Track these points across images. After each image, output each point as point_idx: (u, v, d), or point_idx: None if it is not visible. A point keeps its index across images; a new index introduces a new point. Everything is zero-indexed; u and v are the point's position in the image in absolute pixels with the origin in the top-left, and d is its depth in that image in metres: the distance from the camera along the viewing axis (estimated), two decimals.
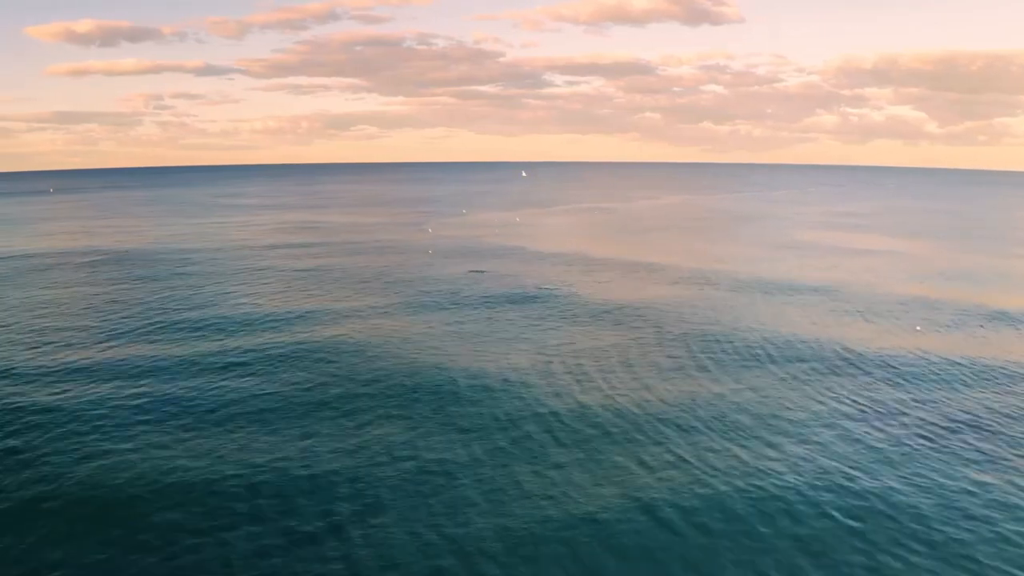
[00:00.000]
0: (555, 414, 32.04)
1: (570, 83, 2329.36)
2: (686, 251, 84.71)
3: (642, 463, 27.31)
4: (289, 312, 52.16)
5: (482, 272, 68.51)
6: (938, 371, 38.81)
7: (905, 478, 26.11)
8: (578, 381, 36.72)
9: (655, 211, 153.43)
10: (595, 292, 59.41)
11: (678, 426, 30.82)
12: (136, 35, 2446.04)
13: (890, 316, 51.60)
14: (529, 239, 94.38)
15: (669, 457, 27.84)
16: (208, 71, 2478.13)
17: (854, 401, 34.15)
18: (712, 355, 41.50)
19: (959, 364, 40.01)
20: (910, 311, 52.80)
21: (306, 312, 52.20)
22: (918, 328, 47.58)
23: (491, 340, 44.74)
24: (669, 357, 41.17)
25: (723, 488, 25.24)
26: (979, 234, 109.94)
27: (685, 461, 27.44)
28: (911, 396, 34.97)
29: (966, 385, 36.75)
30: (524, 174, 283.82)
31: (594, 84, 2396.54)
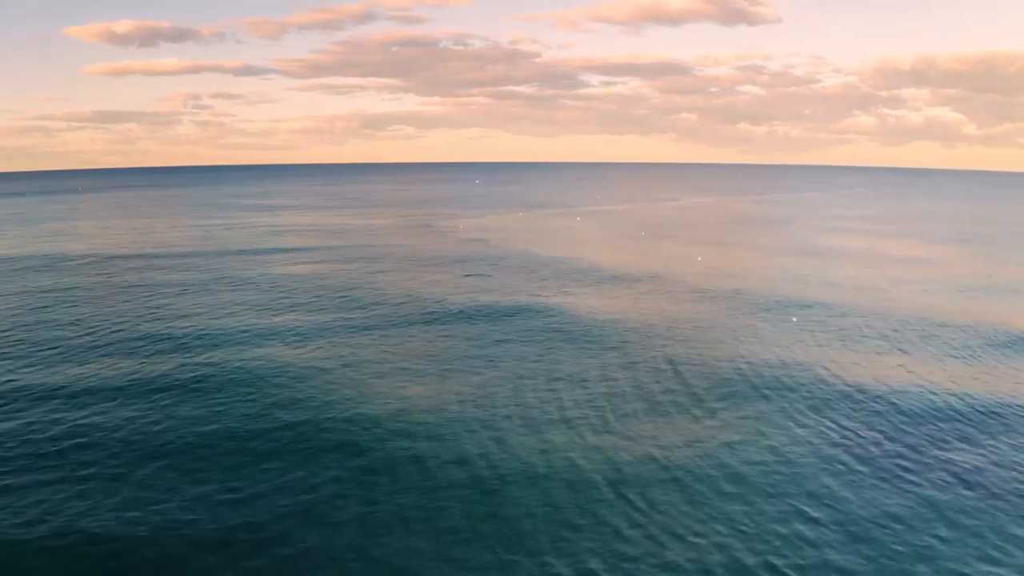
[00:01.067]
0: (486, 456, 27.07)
1: (606, 83, 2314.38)
2: (685, 258, 79.13)
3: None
4: (246, 330, 47.67)
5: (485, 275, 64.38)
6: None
7: None
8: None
9: (671, 214, 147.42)
10: (578, 306, 54.25)
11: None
12: (175, 35, 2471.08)
13: (923, 344, 45.77)
14: (528, 242, 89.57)
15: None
16: (246, 71, 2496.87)
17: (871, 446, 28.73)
18: (695, 389, 36.11)
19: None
20: (950, 336, 46.93)
21: (262, 330, 47.64)
22: (956, 358, 42.02)
23: (440, 361, 39.90)
24: (645, 390, 35.90)
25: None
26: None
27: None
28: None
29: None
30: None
31: (630, 84, 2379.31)
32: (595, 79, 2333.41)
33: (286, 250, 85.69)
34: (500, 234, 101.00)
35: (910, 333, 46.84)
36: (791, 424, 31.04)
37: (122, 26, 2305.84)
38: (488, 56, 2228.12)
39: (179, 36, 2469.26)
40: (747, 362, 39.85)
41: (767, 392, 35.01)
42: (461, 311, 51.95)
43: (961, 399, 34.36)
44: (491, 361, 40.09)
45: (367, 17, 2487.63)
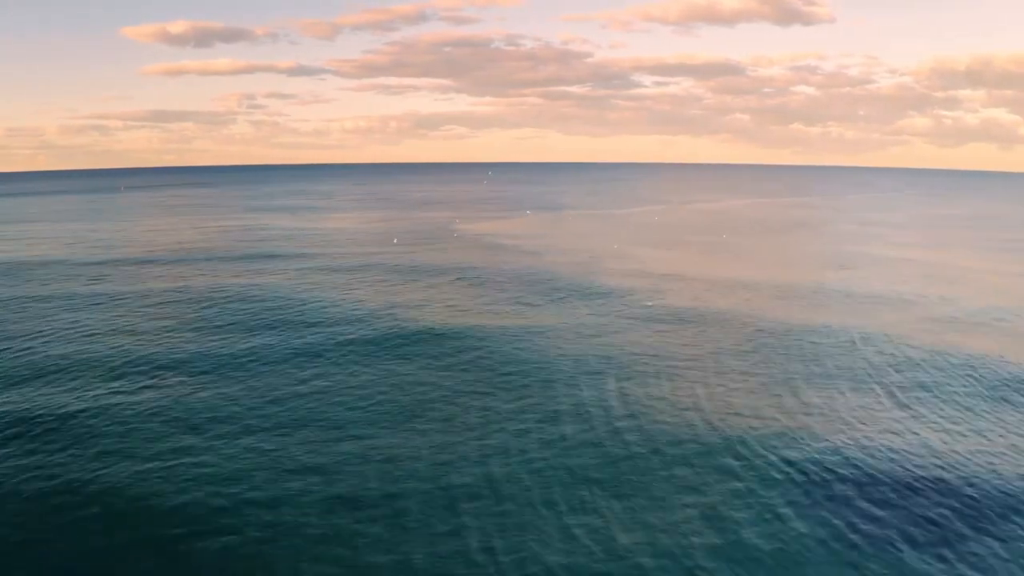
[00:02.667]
0: None
1: (659, 84, 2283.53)
2: (690, 264, 71.89)
3: None
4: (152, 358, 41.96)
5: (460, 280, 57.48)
6: None
7: None
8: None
9: (701, 216, 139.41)
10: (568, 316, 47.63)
11: None
12: (230, 36, 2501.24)
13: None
14: (538, 242, 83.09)
15: None
16: (300, 71, 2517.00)
17: None
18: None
19: None
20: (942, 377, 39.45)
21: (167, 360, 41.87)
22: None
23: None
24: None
25: None
26: None
27: None
28: None
29: None
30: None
31: (683, 85, 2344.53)
32: (647, 79, 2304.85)
33: (270, 257, 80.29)
34: (513, 238, 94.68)
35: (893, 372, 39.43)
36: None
37: (177, 27, 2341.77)
38: (540, 56, 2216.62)
39: (233, 36, 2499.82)
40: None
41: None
42: (421, 331, 45.72)
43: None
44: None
45: (419, 18, 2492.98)
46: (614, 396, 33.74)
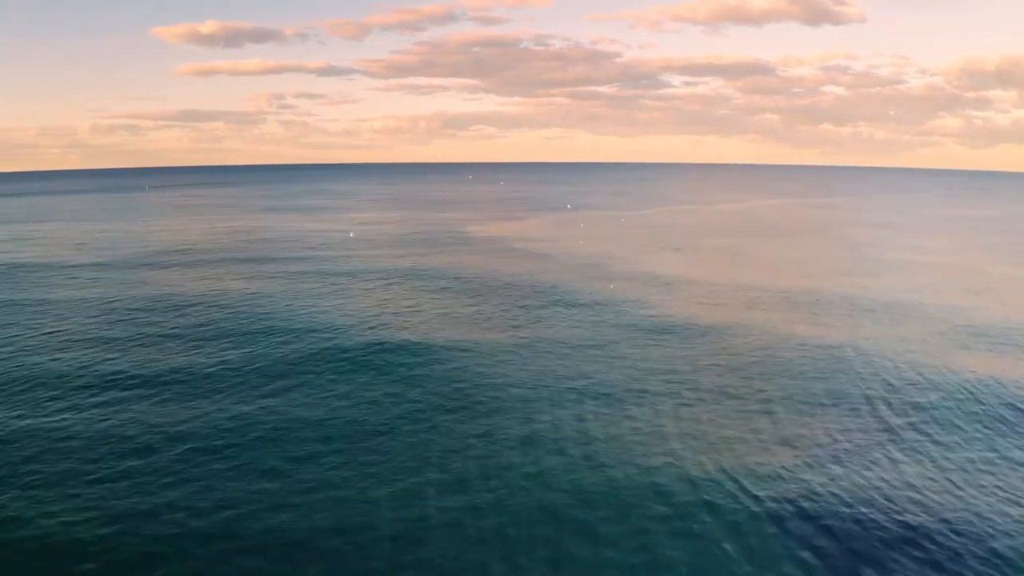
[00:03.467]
0: None
1: (688, 84, 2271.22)
2: (698, 267, 68.82)
3: None
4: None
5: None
6: None
7: None
8: None
9: (721, 217, 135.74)
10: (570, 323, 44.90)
11: None
12: (259, 36, 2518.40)
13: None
14: (548, 244, 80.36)
15: None
16: (329, 71, 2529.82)
17: None
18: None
19: None
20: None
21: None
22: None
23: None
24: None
25: None
26: None
27: None
28: None
29: None
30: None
31: (712, 85, 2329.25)
32: (676, 79, 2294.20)
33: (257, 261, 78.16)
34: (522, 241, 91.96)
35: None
36: None
37: (208, 27, 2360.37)
38: (568, 56, 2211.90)
39: (263, 37, 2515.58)
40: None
41: None
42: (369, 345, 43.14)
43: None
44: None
45: (448, 18, 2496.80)
46: (588, 419, 30.99)
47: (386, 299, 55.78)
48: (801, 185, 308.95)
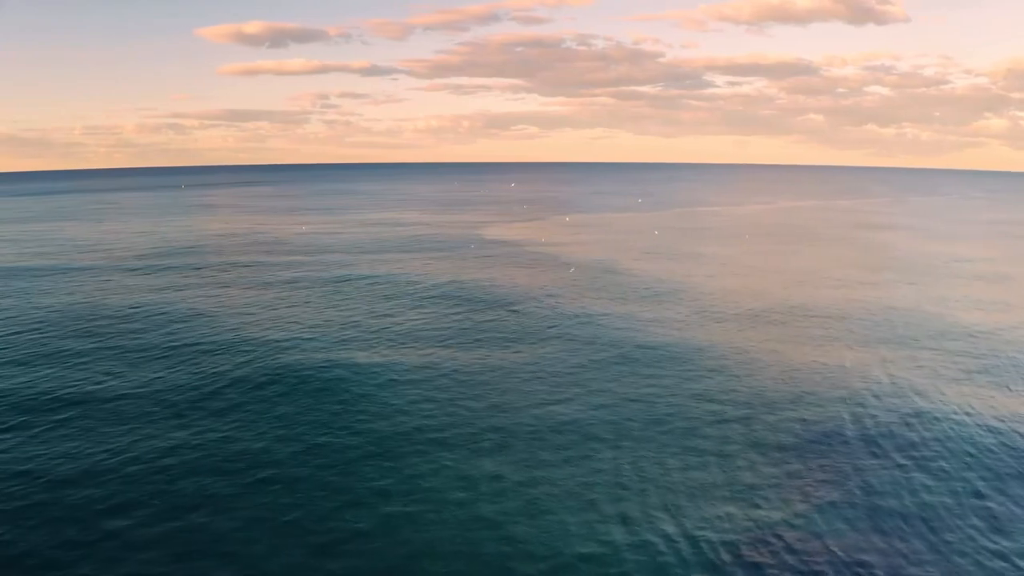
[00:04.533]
0: None
1: (731, 84, 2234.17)
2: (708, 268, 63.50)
3: None
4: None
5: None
6: None
7: None
8: None
9: (743, 219, 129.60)
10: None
11: None
12: (303, 36, 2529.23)
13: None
14: (555, 249, 75.59)
15: None
16: (373, 71, 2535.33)
17: None
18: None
19: None
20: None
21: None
22: None
23: None
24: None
25: None
26: None
27: None
28: None
29: None
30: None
31: (756, 85, 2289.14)
32: (720, 79, 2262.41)
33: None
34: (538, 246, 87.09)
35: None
36: None
37: (252, 27, 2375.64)
38: (611, 56, 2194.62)
39: (307, 37, 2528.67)
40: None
41: None
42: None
43: None
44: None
45: (491, 18, 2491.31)
46: (521, 463, 26.33)
47: (348, 308, 51.50)
48: (838, 187, 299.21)
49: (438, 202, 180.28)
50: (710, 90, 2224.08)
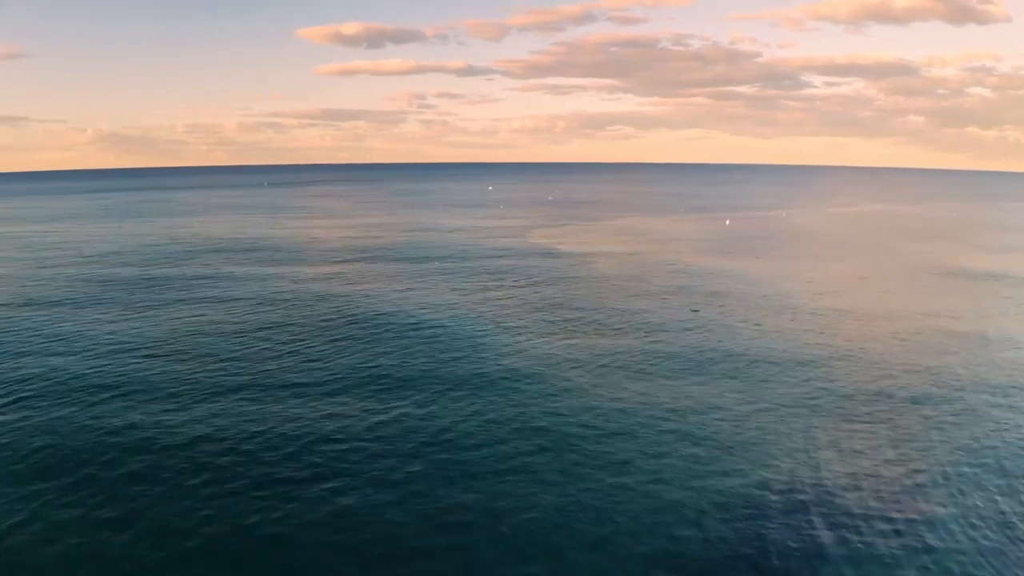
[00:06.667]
0: None
1: (829, 84, 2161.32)
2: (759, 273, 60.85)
3: None
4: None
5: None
6: None
7: None
8: None
9: (810, 223, 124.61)
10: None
11: None
12: (400, 37, 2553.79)
13: None
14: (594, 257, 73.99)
15: None
16: (469, 72, 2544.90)
17: None
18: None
19: None
20: None
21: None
22: None
23: None
24: None
25: None
26: None
27: None
28: None
29: None
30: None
31: (854, 85, 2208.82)
32: (817, 79, 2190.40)
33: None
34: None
35: None
36: None
37: (350, 28, 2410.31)
38: (708, 56, 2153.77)
39: (404, 37, 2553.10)
40: None
41: None
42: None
43: None
44: None
45: (586, 18, 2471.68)
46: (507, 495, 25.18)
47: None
48: (922, 189, 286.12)
49: (524, 201, 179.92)
50: (808, 90, 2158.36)
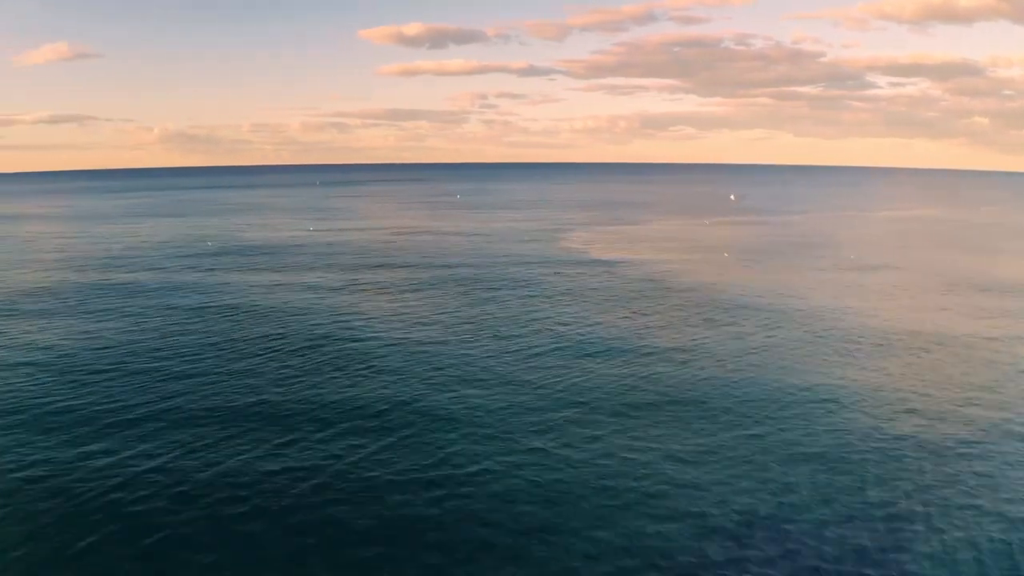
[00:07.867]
0: None
1: (893, 84, 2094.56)
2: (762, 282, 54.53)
3: None
4: None
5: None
6: None
7: None
8: None
9: (852, 226, 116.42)
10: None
11: None
12: (462, 37, 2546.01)
13: None
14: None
15: None
16: (530, 72, 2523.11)
17: None
18: None
19: None
20: None
21: None
22: None
23: None
24: None
25: None
26: None
27: None
28: None
29: None
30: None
31: (919, 86, 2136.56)
32: (882, 80, 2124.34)
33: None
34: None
35: None
36: None
37: (412, 28, 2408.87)
38: (770, 56, 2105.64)
39: (466, 38, 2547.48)
40: None
41: None
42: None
43: None
44: None
45: (647, 18, 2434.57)
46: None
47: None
48: (980, 193, 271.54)
49: (567, 203, 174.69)
50: (872, 91, 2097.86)
